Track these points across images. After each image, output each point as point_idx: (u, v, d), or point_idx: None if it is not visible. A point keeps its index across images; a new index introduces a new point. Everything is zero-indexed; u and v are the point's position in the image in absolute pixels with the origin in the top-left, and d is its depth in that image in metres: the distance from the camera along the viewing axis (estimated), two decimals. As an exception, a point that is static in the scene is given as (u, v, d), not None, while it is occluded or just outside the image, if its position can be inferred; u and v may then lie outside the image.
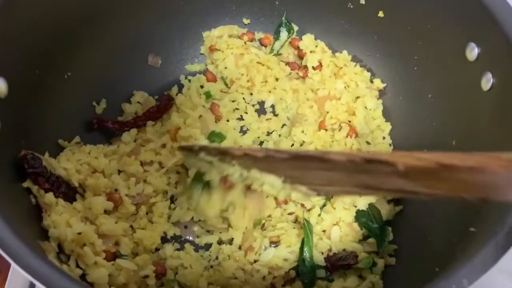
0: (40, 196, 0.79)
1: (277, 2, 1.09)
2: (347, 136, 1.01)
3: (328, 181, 0.59)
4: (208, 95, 1.08)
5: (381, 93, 1.06)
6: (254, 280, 0.86)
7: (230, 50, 1.10)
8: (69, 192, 0.85)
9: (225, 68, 1.10)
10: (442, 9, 0.85)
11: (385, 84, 1.06)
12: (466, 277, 0.52)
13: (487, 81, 0.75)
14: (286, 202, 0.94)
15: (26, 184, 0.78)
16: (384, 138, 1.02)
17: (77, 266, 0.77)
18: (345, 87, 1.06)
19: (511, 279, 0.92)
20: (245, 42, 1.12)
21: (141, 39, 1.06)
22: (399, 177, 0.50)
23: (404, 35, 0.96)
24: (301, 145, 1.01)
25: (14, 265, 0.55)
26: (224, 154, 0.70)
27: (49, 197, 0.80)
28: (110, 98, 1.04)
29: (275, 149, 0.67)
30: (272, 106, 1.09)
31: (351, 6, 1.02)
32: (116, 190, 0.91)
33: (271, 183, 0.65)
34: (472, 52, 0.78)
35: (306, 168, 0.61)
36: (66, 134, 0.96)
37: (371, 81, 1.07)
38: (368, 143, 1.02)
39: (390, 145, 1.02)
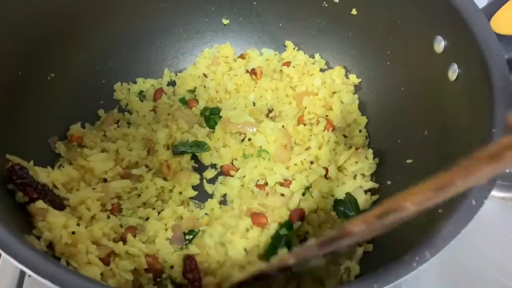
0: (30, 206, 0.80)
1: (254, 3, 1.12)
2: (324, 130, 1.04)
3: None
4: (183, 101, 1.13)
5: (357, 88, 1.10)
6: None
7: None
8: (55, 200, 0.86)
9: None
10: (411, 5, 0.89)
11: (360, 79, 1.09)
12: (428, 250, 0.57)
13: (453, 72, 0.79)
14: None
15: (11, 186, 0.80)
16: (360, 131, 1.06)
17: (67, 266, 0.78)
18: (322, 83, 1.10)
19: (504, 274, 0.96)
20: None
21: (123, 40, 1.09)
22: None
23: (377, 31, 1.00)
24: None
25: (3, 254, 0.57)
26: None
27: (40, 204, 0.81)
28: (92, 100, 1.07)
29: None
30: (253, 103, 1.13)
31: (326, 5, 1.05)
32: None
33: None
34: (440, 45, 0.82)
35: None
36: (49, 136, 0.98)
37: (347, 77, 1.10)
38: (345, 136, 1.06)
39: (366, 137, 1.05)
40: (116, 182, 0.96)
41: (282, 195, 0.97)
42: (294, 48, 1.15)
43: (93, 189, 0.94)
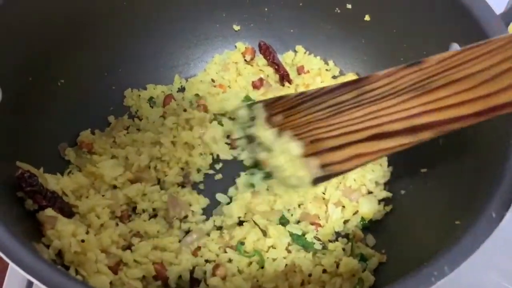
0: (40, 214, 0.80)
1: (266, 9, 1.11)
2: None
3: (351, 128, 0.63)
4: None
5: (370, 95, 1.08)
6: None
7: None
8: (64, 207, 0.86)
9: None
10: (427, 12, 0.88)
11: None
12: (447, 264, 0.55)
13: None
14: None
15: (20, 194, 0.79)
16: (373, 139, 1.04)
17: (77, 274, 0.77)
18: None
19: (506, 278, 0.94)
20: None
21: (132, 46, 1.08)
22: (420, 89, 0.57)
23: (390, 38, 0.98)
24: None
25: (11, 264, 0.56)
26: (278, 100, 0.75)
27: (49, 212, 0.80)
28: (102, 107, 1.06)
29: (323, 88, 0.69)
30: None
31: (338, 11, 1.04)
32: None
33: (292, 151, 0.69)
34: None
35: (340, 108, 0.65)
36: (59, 142, 0.98)
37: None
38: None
39: (379, 145, 1.04)
40: (127, 188, 0.95)
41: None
42: (305, 53, 1.14)
43: (103, 196, 0.93)
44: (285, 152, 0.71)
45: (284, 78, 1.12)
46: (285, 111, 0.73)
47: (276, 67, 1.12)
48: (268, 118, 0.76)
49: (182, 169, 1.02)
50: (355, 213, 0.96)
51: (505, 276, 0.94)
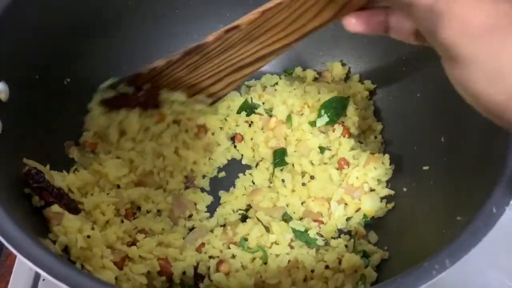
0: (46, 211, 0.81)
1: (269, 9, 1.12)
2: (340, 136, 1.04)
3: (215, 76, 0.90)
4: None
5: (372, 94, 1.09)
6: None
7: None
8: (70, 204, 0.87)
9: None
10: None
11: (375, 85, 1.09)
12: (448, 258, 0.56)
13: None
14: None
15: (27, 190, 0.80)
16: (375, 137, 1.05)
17: (82, 269, 0.77)
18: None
19: (509, 276, 0.94)
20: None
21: (138, 46, 1.09)
22: (250, 41, 0.81)
23: (392, 38, 0.99)
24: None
25: (20, 258, 0.57)
26: (136, 78, 0.92)
27: (55, 208, 0.81)
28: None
29: (172, 55, 0.87)
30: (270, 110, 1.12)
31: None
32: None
33: (178, 98, 0.94)
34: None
35: (196, 65, 0.87)
36: (65, 140, 0.99)
37: (362, 83, 1.10)
38: (360, 142, 1.05)
39: (381, 143, 1.05)
40: (131, 190, 0.96)
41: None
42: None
43: (107, 194, 0.95)
44: (174, 101, 0.94)
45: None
46: (150, 80, 0.91)
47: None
48: (136, 91, 0.92)
49: (186, 176, 1.03)
50: (358, 210, 0.97)
51: (509, 274, 0.94)
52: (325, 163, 1.03)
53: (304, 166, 1.01)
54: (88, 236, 0.80)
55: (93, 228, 0.84)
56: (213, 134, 1.08)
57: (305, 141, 1.04)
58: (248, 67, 0.88)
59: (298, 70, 1.15)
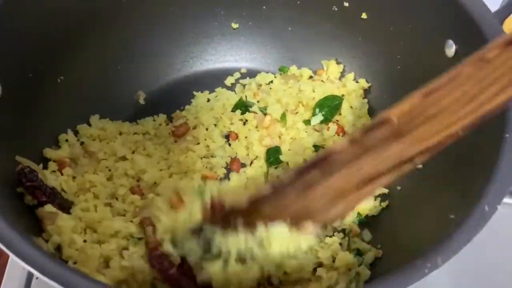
0: (39, 210, 0.81)
1: (264, 7, 1.12)
2: (335, 135, 1.04)
3: (334, 194, 0.62)
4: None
5: (366, 92, 1.09)
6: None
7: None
8: (63, 203, 0.86)
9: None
10: (422, 9, 0.89)
11: (370, 84, 1.09)
12: (440, 256, 0.56)
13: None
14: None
15: (20, 189, 0.80)
16: (370, 136, 1.05)
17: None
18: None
19: None
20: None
21: (133, 45, 1.09)
22: (395, 139, 0.56)
23: (387, 36, 0.99)
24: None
25: (12, 257, 0.57)
26: (230, 215, 0.69)
27: (49, 208, 0.81)
28: (100, 105, 1.06)
29: (279, 177, 0.69)
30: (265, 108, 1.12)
31: (336, 9, 1.05)
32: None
33: (278, 233, 0.66)
34: (451, 49, 0.82)
35: (310, 185, 0.62)
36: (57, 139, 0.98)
37: (356, 81, 1.10)
38: (354, 141, 1.05)
39: (376, 142, 1.04)
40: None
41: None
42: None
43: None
44: (274, 240, 0.68)
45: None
46: (243, 215, 0.69)
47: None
48: (224, 229, 0.70)
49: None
50: None
51: None
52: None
53: (298, 164, 1.01)
54: (85, 241, 0.81)
55: (85, 229, 0.84)
56: (207, 129, 1.07)
57: (299, 139, 1.04)
58: (385, 176, 0.60)
59: (293, 69, 1.15)
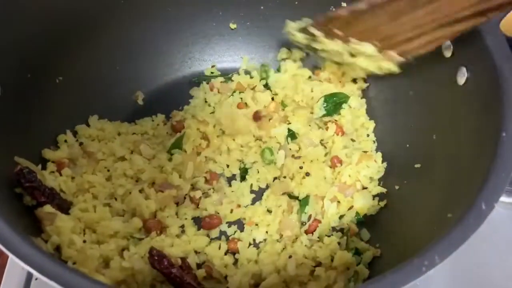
0: (38, 211, 0.81)
1: (262, 7, 1.12)
2: (334, 135, 1.04)
3: (418, 27, 0.75)
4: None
5: (364, 92, 1.10)
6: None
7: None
8: (62, 203, 0.87)
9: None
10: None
11: (368, 84, 1.09)
12: (438, 254, 0.56)
13: (462, 76, 0.79)
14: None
15: (19, 190, 0.80)
16: (368, 135, 1.06)
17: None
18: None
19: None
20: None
21: (129, 44, 1.09)
22: None
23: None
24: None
25: (11, 257, 0.57)
26: (330, 21, 0.86)
27: (48, 208, 0.81)
28: (99, 105, 1.07)
29: None
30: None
31: (333, 9, 1.05)
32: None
33: (368, 52, 0.84)
34: (448, 48, 0.82)
35: (401, 12, 0.74)
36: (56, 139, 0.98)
37: (355, 82, 1.10)
38: (353, 140, 1.05)
39: (374, 142, 1.05)
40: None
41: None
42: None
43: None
44: (360, 54, 0.85)
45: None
46: (342, 27, 0.84)
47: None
48: (326, 35, 0.88)
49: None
50: (350, 208, 0.97)
51: None
52: (318, 160, 1.03)
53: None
54: (84, 241, 0.81)
55: (84, 230, 0.84)
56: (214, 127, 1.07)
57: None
58: (462, 23, 0.71)
59: (292, 69, 1.15)
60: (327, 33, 0.88)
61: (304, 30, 0.93)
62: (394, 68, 0.87)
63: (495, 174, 0.62)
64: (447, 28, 0.72)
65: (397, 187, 0.95)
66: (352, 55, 0.91)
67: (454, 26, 0.72)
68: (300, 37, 0.96)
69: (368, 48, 0.84)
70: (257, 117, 1.06)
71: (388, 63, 0.86)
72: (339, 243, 0.92)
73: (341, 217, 0.97)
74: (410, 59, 0.84)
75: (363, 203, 0.95)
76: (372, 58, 0.87)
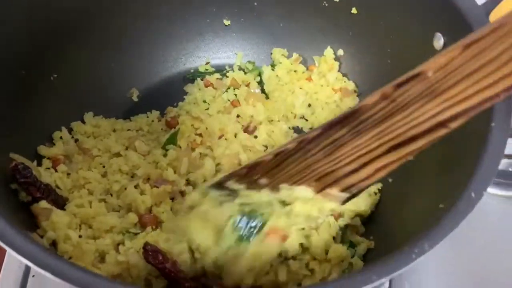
0: (34, 206, 0.82)
1: (255, 3, 1.13)
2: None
3: (361, 157, 0.61)
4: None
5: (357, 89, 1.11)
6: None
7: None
8: (58, 199, 0.87)
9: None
10: (411, 3, 0.90)
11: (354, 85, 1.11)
12: (427, 242, 0.57)
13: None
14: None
15: (14, 185, 0.81)
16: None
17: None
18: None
19: (502, 271, 0.95)
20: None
21: (123, 41, 1.10)
22: (430, 97, 0.52)
23: (377, 30, 1.00)
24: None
25: (9, 251, 0.57)
26: (252, 169, 0.70)
27: (43, 204, 0.82)
28: (94, 103, 1.07)
29: (306, 133, 0.66)
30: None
31: (326, 5, 1.06)
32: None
33: (303, 195, 0.67)
34: (439, 41, 0.83)
35: (338, 143, 0.61)
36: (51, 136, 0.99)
37: (348, 78, 1.12)
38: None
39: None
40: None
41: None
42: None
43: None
44: (295, 199, 0.68)
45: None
46: (267, 173, 0.70)
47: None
48: (249, 186, 0.72)
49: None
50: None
51: (504, 272, 0.96)
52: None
53: None
54: (80, 236, 0.81)
55: (80, 225, 0.84)
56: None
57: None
58: (419, 140, 0.59)
59: (286, 65, 1.15)
60: (250, 183, 0.72)
61: (219, 186, 0.76)
62: (338, 208, 0.70)
63: (485, 163, 0.63)
64: (402, 148, 0.59)
65: (390, 180, 0.95)
66: (286, 204, 0.72)
67: (409, 145, 0.59)
68: (215, 195, 0.76)
69: (303, 191, 0.68)
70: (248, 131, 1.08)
71: (330, 204, 0.69)
72: (334, 238, 0.92)
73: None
74: (359, 193, 0.69)
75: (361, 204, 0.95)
76: (310, 202, 0.70)
